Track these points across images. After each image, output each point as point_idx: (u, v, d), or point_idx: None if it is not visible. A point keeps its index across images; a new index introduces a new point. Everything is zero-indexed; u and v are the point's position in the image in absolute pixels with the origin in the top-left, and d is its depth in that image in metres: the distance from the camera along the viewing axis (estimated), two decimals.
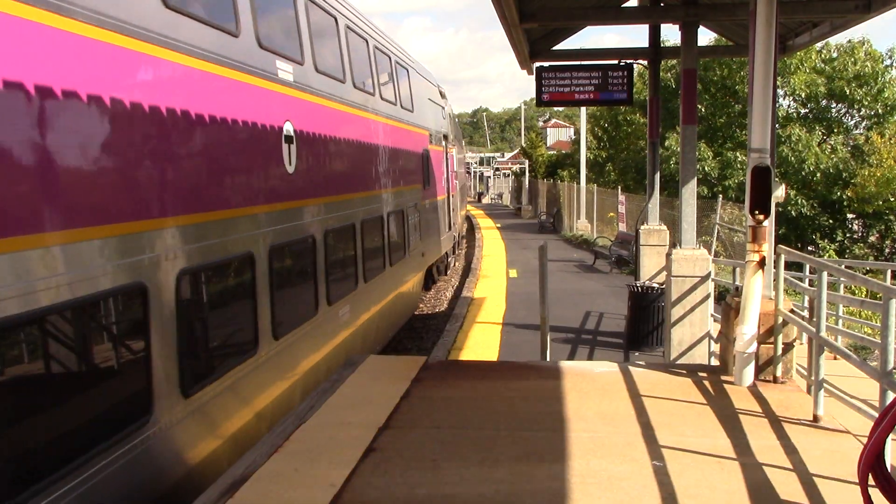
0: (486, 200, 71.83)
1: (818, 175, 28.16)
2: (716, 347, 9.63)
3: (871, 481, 4.02)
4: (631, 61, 13.36)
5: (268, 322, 6.91)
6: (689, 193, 10.03)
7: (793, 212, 27.36)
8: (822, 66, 30.26)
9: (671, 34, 32.24)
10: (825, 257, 23.90)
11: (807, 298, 9.82)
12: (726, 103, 31.74)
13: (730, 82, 31.21)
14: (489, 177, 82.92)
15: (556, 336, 12.25)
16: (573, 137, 58.60)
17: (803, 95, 30.09)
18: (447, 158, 20.15)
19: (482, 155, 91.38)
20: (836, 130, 30.84)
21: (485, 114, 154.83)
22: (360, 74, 10.97)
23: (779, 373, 7.01)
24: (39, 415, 4.24)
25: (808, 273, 11.07)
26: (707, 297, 9.90)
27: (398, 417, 6.22)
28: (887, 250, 27.61)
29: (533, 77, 13.20)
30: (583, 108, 33.93)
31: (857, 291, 16.40)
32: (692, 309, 9.88)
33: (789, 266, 8.36)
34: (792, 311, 7.06)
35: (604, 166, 40.24)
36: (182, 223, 5.56)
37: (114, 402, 4.95)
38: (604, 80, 12.92)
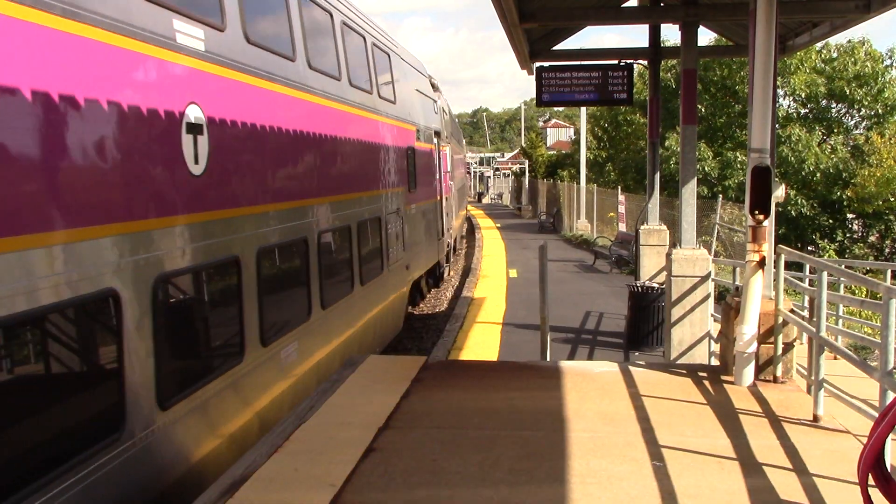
0: (486, 200, 71.85)
1: (818, 175, 28.16)
2: (716, 347, 9.63)
3: (871, 481, 4.02)
4: (631, 61, 13.36)
5: (151, 384, 5.11)
6: (689, 193, 10.03)
7: (793, 212, 27.36)
8: (822, 66, 30.26)
9: (671, 34, 32.28)
10: (825, 257, 23.90)
11: (807, 298, 9.82)
12: (726, 103, 31.74)
13: (730, 82, 31.21)
14: (489, 177, 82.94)
15: (556, 336, 12.25)
16: (573, 137, 58.60)
17: (803, 95, 30.09)
18: (440, 157, 18.10)
19: (482, 155, 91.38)
20: (836, 130, 30.84)
21: (485, 114, 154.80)
22: (321, 54, 9.04)
23: (779, 373, 7.01)
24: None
25: (808, 273, 11.06)
26: (707, 297, 9.90)
27: (398, 417, 6.22)
28: (887, 250, 27.61)
29: (533, 77, 13.21)
30: (583, 108, 33.93)
31: (857, 291, 16.40)
32: (692, 309, 9.88)
33: (789, 266, 8.36)
34: (792, 311, 7.06)
35: (604, 166, 40.24)
36: None
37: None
38: (604, 80, 12.92)
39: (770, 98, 6.75)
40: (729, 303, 7.58)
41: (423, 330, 15.56)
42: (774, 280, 7.17)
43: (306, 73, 8.27)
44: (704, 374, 7.39)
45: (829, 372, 7.07)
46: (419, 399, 6.75)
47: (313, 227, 8.29)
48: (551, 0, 11.11)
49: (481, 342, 12.45)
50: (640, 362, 8.38)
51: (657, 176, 13.89)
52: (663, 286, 11.00)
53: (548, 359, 9.15)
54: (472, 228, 36.78)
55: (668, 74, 29.73)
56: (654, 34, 13.56)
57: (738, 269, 10.60)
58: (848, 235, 28.10)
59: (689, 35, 10.04)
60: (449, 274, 21.51)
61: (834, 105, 30.93)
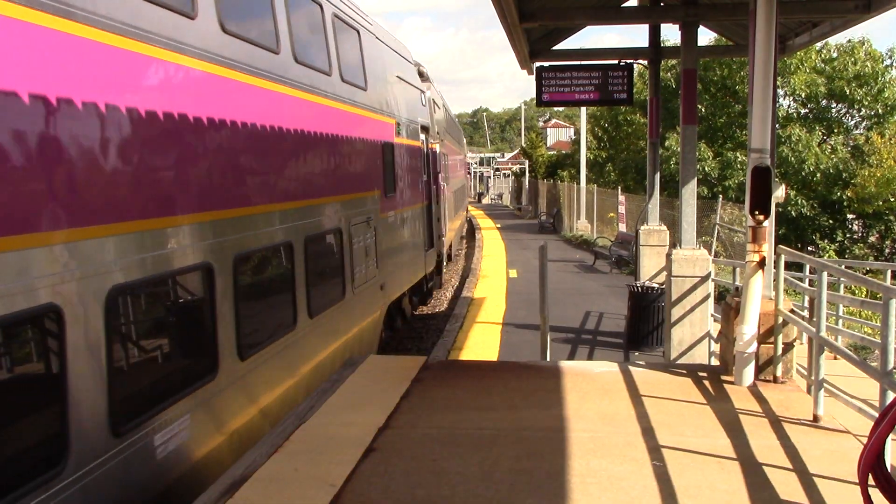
0: (486, 201, 71.88)
1: (818, 175, 28.16)
2: (716, 347, 9.63)
3: (871, 481, 4.02)
4: (631, 61, 13.36)
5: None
6: (689, 193, 10.03)
7: (793, 212, 27.36)
8: (822, 66, 30.26)
9: (671, 34, 32.31)
10: (825, 257, 23.91)
11: (807, 298, 9.83)
12: (726, 103, 31.74)
13: (730, 82, 31.21)
14: (489, 177, 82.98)
15: (556, 336, 12.25)
16: (573, 137, 58.63)
17: (803, 95, 30.09)
18: (428, 156, 15.60)
19: (482, 155, 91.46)
20: (836, 130, 30.84)
21: (485, 114, 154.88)
22: (243, 15, 7.08)
23: (779, 373, 7.01)
24: None
25: (808, 273, 11.07)
26: (707, 297, 9.91)
27: (398, 417, 6.22)
28: (887, 250, 27.61)
29: (533, 77, 13.21)
30: (583, 108, 33.95)
31: (857, 291, 16.41)
32: (692, 309, 9.89)
33: (789, 266, 8.36)
34: (792, 311, 7.06)
35: (604, 166, 40.24)
36: None
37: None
38: (604, 80, 12.92)
39: (770, 98, 6.75)
40: (729, 303, 7.59)
41: (423, 330, 15.56)
42: (774, 280, 7.17)
43: (217, 38, 6.08)
44: (704, 374, 7.39)
45: (829, 372, 7.08)
46: (419, 399, 6.75)
47: (224, 250, 6.00)
48: (551, 0, 11.12)
49: (481, 342, 12.45)
50: (640, 362, 8.38)
51: (657, 176, 13.90)
52: (663, 286, 11.00)
53: (548, 359, 9.15)
54: (472, 229, 36.78)
55: (668, 74, 29.74)
56: (654, 34, 13.56)
57: (738, 270, 10.60)
58: (848, 236, 28.10)
59: (689, 35, 10.04)
60: (440, 288, 18.81)
61: (834, 105, 30.93)
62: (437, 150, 17.54)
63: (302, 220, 7.77)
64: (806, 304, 10.29)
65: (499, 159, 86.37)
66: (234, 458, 5.88)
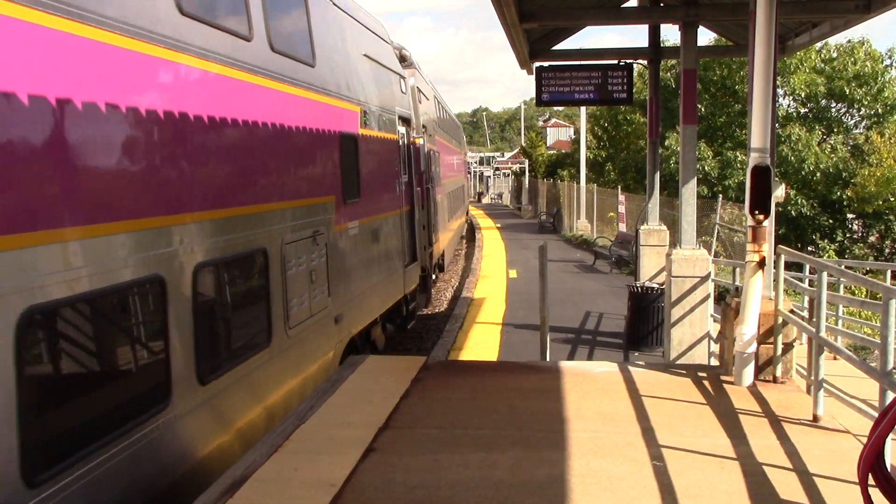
0: (485, 200, 71.95)
1: (818, 175, 28.17)
2: (716, 347, 9.63)
3: (871, 481, 4.02)
4: (631, 61, 13.37)
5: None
6: (689, 193, 10.04)
7: (793, 212, 27.38)
8: (822, 65, 30.29)
9: (671, 34, 32.28)
10: (825, 257, 23.92)
11: (807, 298, 9.83)
12: (726, 103, 31.76)
13: (730, 82, 31.23)
14: (489, 177, 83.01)
15: (556, 336, 12.25)
16: (573, 137, 58.63)
17: (803, 95, 30.12)
18: (411, 152, 13.20)
19: (482, 155, 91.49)
20: (835, 130, 30.86)
21: (485, 113, 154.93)
22: None
23: (779, 373, 7.01)
24: None
25: (808, 273, 11.07)
26: (707, 297, 9.91)
27: (398, 417, 6.23)
28: (887, 250, 27.63)
29: (533, 77, 13.21)
30: (583, 108, 33.95)
31: (857, 291, 16.41)
32: (692, 309, 9.89)
33: (789, 266, 8.36)
34: (792, 311, 7.06)
35: (604, 166, 40.26)
36: None
37: None
38: (604, 80, 12.93)
39: (770, 98, 6.75)
40: (729, 303, 7.59)
41: (423, 330, 15.56)
42: (774, 280, 7.18)
43: None
44: (704, 375, 7.39)
45: (829, 372, 7.07)
46: (419, 399, 6.75)
47: (42, 288, 4.06)
48: (551, 0, 11.12)
49: (481, 342, 12.46)
50: (640, 362, 8.38)
51: (657, 176, 13.90)
52: (663, 286, 11.00)
53: (548, 359, 9.15)
54: (472, 229, 36.78)
55: (668, 74, 29.75)
56: (654, 34, 13.57)
57: (737, 270, 10.61)
58: (848, 235, 28.12)
59: (688, 35, 10.04)
60: (427, 307, 15.89)
61: (834, 105, 30.96)
62: (424, 147, 15.12)
63: (183, 243, 5.34)
64: (806, 305, 10.29)
65: (499, 159, 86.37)
66: None
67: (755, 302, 6.82)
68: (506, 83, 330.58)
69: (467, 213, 36.29)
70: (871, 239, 28.01)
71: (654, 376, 7.36)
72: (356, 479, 5.00)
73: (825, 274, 6.38)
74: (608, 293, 16.83)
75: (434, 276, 18.56)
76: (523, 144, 65.74)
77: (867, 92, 29.10)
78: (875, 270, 17.56)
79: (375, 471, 5.13)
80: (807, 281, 10.73)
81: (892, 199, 26.32)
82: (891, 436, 4.13)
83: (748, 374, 6.92)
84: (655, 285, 11.79)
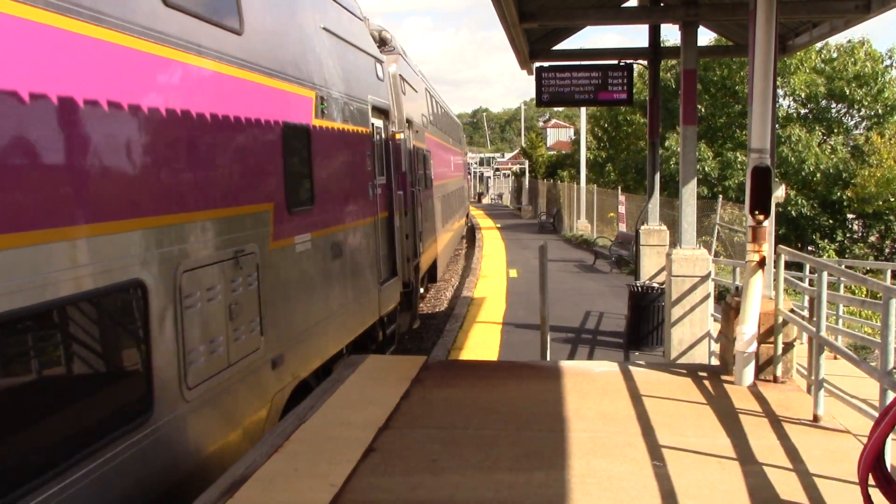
0: (486, 201, 71.98)
1: (818, 175, 28.19)
2: (716, 347, 9.63)
3: (871, 481, 4.02)
4: (631, 61, 13.37)
5: None
6: (689, 193, 10.04)
7: (793, 212, 27.39)
8: (822, 66, 30.31)
9: (671, 34, 32.33)
10: (825, 257, 23.92)
11: (807, 298, 9.83)
12: (726, 103, 31.77)
13: (730, 82, 31.24)
14: (489, 177, 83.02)
15: (556, 336, 12.25)
16: (573, 137, 58.65)
17: (803, 95, 30.13)
18: (388, 150, 11.06)
19: (482, 155, 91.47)
20: (836, 131, 30.88)
21: (485, 114, 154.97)
22: None
23: (779, 372, 7.01)
24: None
25: (808, 273, 11.07)
26: (707, 296, 9.91)
27: (398, 417, 6.22)
28: (887, 250, 27.64)
29: (533, 77, 13.21)
30: (583, 109, 33.94)
31: (857, 291, 16.41)
32: (692, 309, 9.89)
33: (789, 266, 8.36)
34: (792, 310, 7.06)
35: (604, 166, 40.28)
36: None
37: None
38: (604, 80, 12.93)
39: (770, 98, 6.75)
40: (729, 303, 7.59)
41: (423, 330, 15.56)
42: (774, 280, 7.18)
43: None
44: (704, 374, 7.39)
45: (829, 372, 7.07)
46: (419, 399, 6.75)
47: None
48: (551, 0, 11.12)
49: (481, 342, 12.45)
50: (640, 362, 8.38)
51: (657, 176, 13.90)
52: (663, 286, 11.00)
53: (548, 359, 9.15)
54: (472, 229, 36.79)
55: (668, 74, 29.76)
56: (654, 34, 13.57)
57: (738, 269, 10.61)
58: (848, 235, 28.13)
59: (689, 35, 10.04)
60: (412, 327, 13.28)
61: (834, 105, 30.97)
62: (408, 143, 13.18)
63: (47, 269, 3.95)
64: (806, 304, 10.29)
65: (499, 159, 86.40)
66: None
67: (755, 301, 6.82)
68: (506, 83, 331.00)
69: (467, 216, 35.75)
70: (872, 239, 28.03)
71: (655, 376, 7.36)
72: (356, 479, 4.99)
73: (825, 273, 6.38)
74: (608, 293, 16.83)
75: (423, 290, 16.27)
76: (523, 145, 65.75)
77: (867, 92, 29.11)
78: (875, 270, 17.56)
79: (375, 471, 5.13)
80: (807, 280, 10.73)
81: (892, 200, 26.33)
82: (891, 436, 4.13)
83: (748, 373, 6.92)
84: (656, 285, 11.79)
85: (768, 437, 5.67)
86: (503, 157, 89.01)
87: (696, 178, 10.52)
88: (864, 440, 4.49)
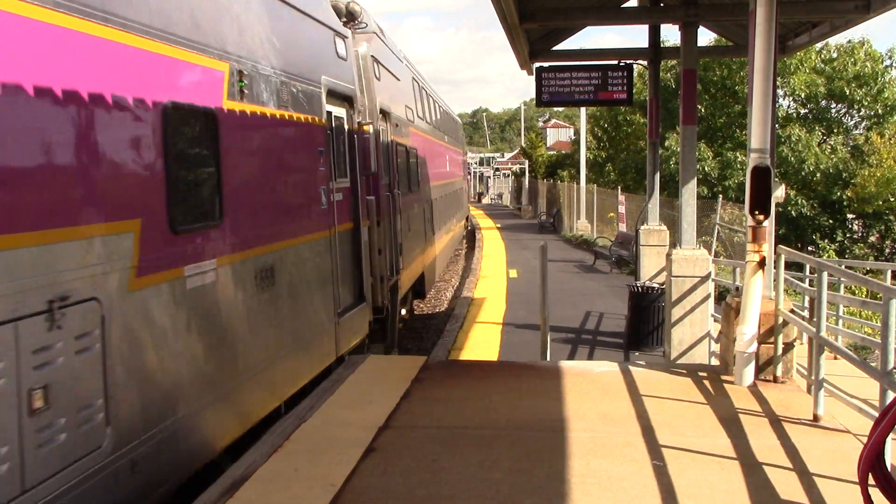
0: (485, 201, 71.98)
1: (818, 175, 28.19)
2: (716, 347, 9.63)
3: (871, 481, 4.02)
4: (631, 61, 13.36)
5: None
6: (689, 193, 10.04)
7: (793, 212, 27.39)
8: (822, 66, 30.31)
9: (671, 34, 32.27)
10: (825, 257, 23.92)
11: (807, 298, 9.83)
12: (726, 103, 31.77)
13: (730, 82, 31.24)
14: (489, 177, 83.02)
15: (556, 336, 12.25)
16: (573, 138, 58.64)
17: (803, 95, 30.14)
18: (350, 145, 9.11)
19: (482, 155, 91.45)
20: (835, 131, 30.89)
21: (485, 114, 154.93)
22: None
23: (779, 373, 7.02)
24: None
25: (808, 273, 11.07)
26: (707, 297, 9.91)
27: (398, 417, 6.22)
28: (887, 250, 27.64)
29: (533, 77, 13.21)
30: (583, 109, 33.93)
31: (857, 291, 16.41)
32: (692, 309, 9.89)
33: (789, 266, 8.36)
34: (792, 311, 7.06)
35: (604, 166, 40.26)
36: None
37: None
38: (604, 81, 12.93)
39: (770, 98, 6.75)
40: (729, 303, 7.59)
41: (423, 330, 15.56)
42: (774, 280, 7.18)
43: None
44: (704, 374, 7.39)
45: (829, 372, 7.07)
46: (419, 399, 6.75)
47: None
48: (551, 0, 11.12)
49: (481, 342, 12.45)
50: (640, 362, 8.38)
51: (657, 176, 13.90)
52: (663, 286, 11.00)
53: (548, 359, 9.15)
54: (472, 230, 36.79)
55: (668, 74, 29.74)
56: (654, 34, 13.57)
57: (738, 270, 10.61)
58: (848, 236, 28.14)
59: (688, 35, 10.04)
60: (391, 351, 11.09)
61: (834, 105, 30.98)
62: (385, 138, 11.29)
63: None
64: (806, 304, 10.29)
65: (499, 159, 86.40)
66: None
67: (755, 302, 6.82)
68: (506, 83, 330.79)
69: (467, 219, 35.12)
70: (872, 239, 28.04)
71: (655, 376, 7.36)
72: (356, 479, 4.99)
73: (825, 274, 6.38)
74: (608, 293, 16.82)
75: (405, 312, 13.29)
76: (523, 145, 65.72)
77: (867, 92, 29.12)
78: (875, 270, 17.56)
79: (375, 471, 5.13)
80: (807, 281, 10.74)
81: (892, 200, 26.34)
82: (891, 436, 4.13)
83: (749, 373, 6.93)
84: (656, 285, 11.79)
85: (768, 437, 5.67)
86: (503, 157, 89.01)
87: (696, 178, 10.52)
88: (864, 440, 4.49)
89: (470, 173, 55.98)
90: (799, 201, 27.46)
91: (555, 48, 13.73)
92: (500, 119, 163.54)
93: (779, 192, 7.15)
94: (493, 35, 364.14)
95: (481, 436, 5.77)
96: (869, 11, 9.76)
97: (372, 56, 10.76)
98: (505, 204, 66.47)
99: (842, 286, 12.17)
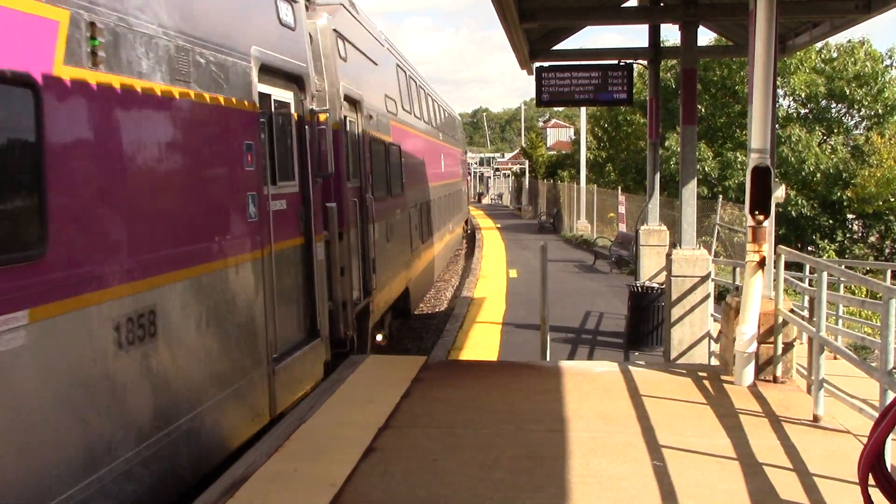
0: (486, 201, 71.98)
1: (818, 175, 28.19)
2: (716, 347, 9.63)
3: (871, 481, 4.02)
4: (631, 61, 13.36)
5: None
6: (689, 193, 10.04)
7: (793, 212, 27.38)
8: (822, 66, 30.30)
9: (671, 34, 32.27)
10: (825, 257, 23.92)
11: (807, 298, 9.82)
12: (726, 103, 31.76)
13: (730, 82, 31.23)
14: (489, 177, 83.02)
15: (556, 336, 12.24)
16: (573, 138, 58.62)
17: (803, 95, 30.13)
18: (298, 139, 7.37)
19: (482, 155, 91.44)
20: (836, 131, 30.88)
21: (485, 114, 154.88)
22: None
23: (779, 373, 7.01)
24: None
25: (808, 273, 11.07)
26: (707, 297, 9.91)
27: (398, 417, 6.22)
28: (887, 250, 27.64)
29: (533, 77, 13.20)
30: (583, 109, 33.94)
31: (857, 291, 16.40)
32: (692, 309, 9.89)
33: (789, 266, 8.36)
34: (792, 311, 7.06)
35: (604, 166, 40.25)
36: None
37: None
38: (604, 80, 12.92)
39: (770, 98, 6.75)
40: (729, 303, 7.59)
41: (423, 330, 15.56)
42: (774, 280, 7.18)
43: None
44: (704, 374, 7.39)
45: (829, 372, 7.07)
46: (419, 399, 6.75)
47: None
48: (551, 0, 11.12)
49: (481, 342, 12.45)
50: (640, 362, 8.39)
51: (657, 176, 13.90)
52: (663, 286, 11.00)
53: (548, 359, 9.15)
54: (472, 232, 36.79)
55: (668, 74, 29.73)
56: (654, 34, 13.57)
57: (738, 270, 10.61)
58: (848, 236, 28.15)
59: (688, 35, 10.04)
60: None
61: (834, 105, 30.97)
62: (353, 132, 9.62)
63: None
64: (806, 304, 10.29)
65: (499, 159, 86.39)
66: None
67: (755, 302, 6.82)
68: (506, 83, 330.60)
69: (467, 221, 34.25)
70: (872, 239, 28.04)
71: (655, 376, 7.36)
72: (356, 479, 4.99)
73: (825, 274, 6.39)
74: (608, 293, 16.82)
75: (380, 338, 11.19)
76: (523, 145, 65.70)
77: (867, 92, 29.11)
78: (875, 270, 17.56)
79: (376, 471, 5.13)
80: (807, 281, 10.73)
81: (892, 200, 26.33)
82: (891, 436, 4.12)
83: (748, 373, 6.93)
84: (656, 285, 11.79)
85: (768, 437, 5.67)
86: (503, 157, 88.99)
87: (696, 178, 10.52)
88: (864, 440, 4.49)
89: (470, 173, 55.76)
90: (799, 201, 27.46)
91: (555, 48, 13.72)
92: (500, 119, 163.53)
93: (779, 193, 7.15)
94: (493, 35, 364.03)
95: (481, 436, 5.77)
96: (869, 11, 9.76)
97: (335, 30, 8.85)
98: (505, 204, 66.47)
99: (841, 286, 12.17)
